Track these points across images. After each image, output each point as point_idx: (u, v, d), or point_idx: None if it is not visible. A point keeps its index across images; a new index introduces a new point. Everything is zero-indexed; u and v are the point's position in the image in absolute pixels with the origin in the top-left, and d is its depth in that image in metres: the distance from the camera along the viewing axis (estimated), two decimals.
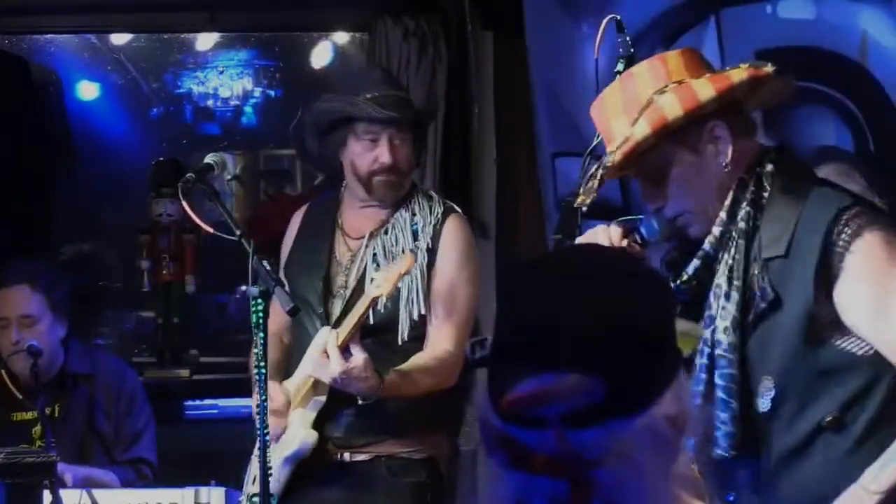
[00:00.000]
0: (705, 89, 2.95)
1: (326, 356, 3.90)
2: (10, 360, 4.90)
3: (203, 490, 4.43)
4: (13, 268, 5.05)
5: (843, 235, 2.88)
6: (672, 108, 2.95)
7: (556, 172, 5.78)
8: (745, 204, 2.97)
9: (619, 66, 3.66)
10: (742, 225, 2.97)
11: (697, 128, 2.98)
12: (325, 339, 3.99)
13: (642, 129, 2.96)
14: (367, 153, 4.13)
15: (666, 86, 2.98)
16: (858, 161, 4.79)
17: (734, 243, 2.97)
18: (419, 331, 4.11)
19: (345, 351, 3.88)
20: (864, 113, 5.48)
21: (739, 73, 2.98)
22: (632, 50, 3.53)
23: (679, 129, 2.97)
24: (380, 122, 4.10)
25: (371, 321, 4.04)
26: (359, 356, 3.87)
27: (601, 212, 4.42)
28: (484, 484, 1.57)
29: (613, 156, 2.99)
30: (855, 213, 2.91)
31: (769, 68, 2.98)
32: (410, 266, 3.92)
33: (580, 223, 3.34)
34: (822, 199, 2.95)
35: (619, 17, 3.59)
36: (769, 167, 2.99)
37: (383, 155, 4.10)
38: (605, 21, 3.59)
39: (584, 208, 3.29)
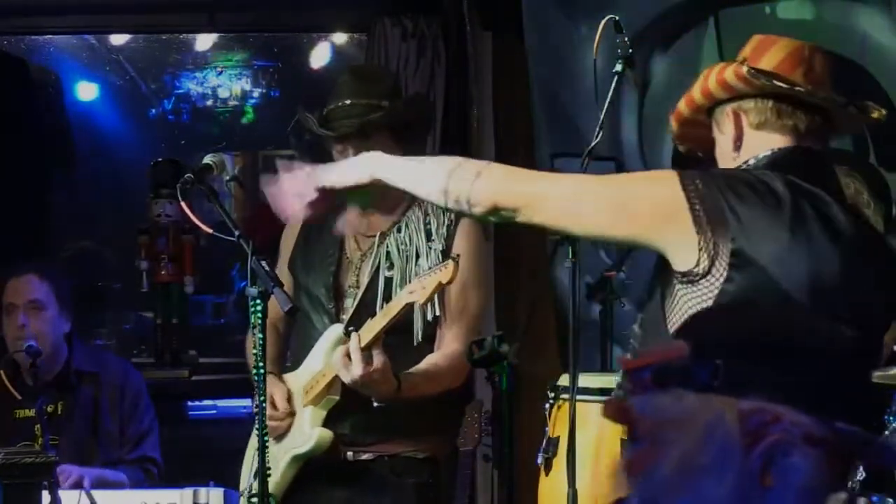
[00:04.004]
0: (729, 76, 2.82)
1: (349, 357, 3.89)
2: (15, 352, 4.93)
3: (202, 490, 4.43)
4: (22, 261, 5.17)
5: None
6: (698, 88, 2.88)
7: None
8: None
9: (618, 67, 3.66)
10: None
11: (723, 107, 2.87)
12: (338, 336, 4.00)
13: (682, 104, 2.93)
14: (340, 160, 4.15)
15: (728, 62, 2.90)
16: (860, 163, 4.78)
17: None
18: (431, 331, 4.10)
19: (366, 354, 3.87)
20: None
21: (744, 79, 2.80)
22: (630, 51, 3.52)
23: (711, 107, 2.89)
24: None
25: None
26: (379, 360, 3.86)
27: None
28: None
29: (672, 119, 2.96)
30: None
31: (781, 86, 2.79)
32: (452, 277, 3.83)
33: None
34: None
35: (617, 18, 3.58)
36: (756, 163, 2.82)
37: None
38: (603, 22, 3.59)
39: None
